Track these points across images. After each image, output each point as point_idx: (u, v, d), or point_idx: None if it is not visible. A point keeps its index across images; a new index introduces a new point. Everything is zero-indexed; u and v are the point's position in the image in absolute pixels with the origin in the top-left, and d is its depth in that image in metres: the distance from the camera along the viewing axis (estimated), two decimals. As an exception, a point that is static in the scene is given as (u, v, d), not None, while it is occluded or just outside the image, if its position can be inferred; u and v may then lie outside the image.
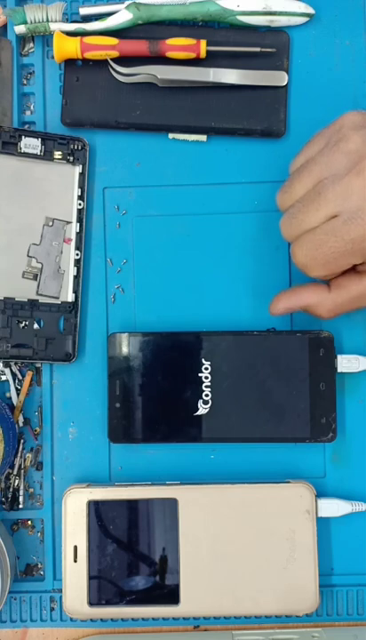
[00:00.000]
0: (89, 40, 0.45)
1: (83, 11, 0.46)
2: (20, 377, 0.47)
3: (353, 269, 0.39)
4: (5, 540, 0.45)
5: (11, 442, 0.44)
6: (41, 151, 0.46)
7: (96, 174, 0.47)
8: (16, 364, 0.47)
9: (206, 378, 0.45)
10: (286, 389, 0.45)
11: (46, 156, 0.46)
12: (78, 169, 0.47)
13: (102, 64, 0.46)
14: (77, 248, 0.47)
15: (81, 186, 0.47)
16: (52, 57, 0.47)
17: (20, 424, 0.47)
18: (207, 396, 0.45)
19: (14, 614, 0.46)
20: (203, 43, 0.45)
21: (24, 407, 0.47)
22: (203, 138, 0.47)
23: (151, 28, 0.46)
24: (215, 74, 0.45)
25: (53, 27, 0.45)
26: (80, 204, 0.47)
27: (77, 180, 0.47)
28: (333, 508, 0.44)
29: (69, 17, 0.47)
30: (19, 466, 0.47)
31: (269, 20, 0.46)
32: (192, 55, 0.45)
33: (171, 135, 0.47)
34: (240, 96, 0.46)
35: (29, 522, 0.47)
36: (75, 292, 0.47)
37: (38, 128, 0.47)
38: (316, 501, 0.44)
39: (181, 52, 0.45)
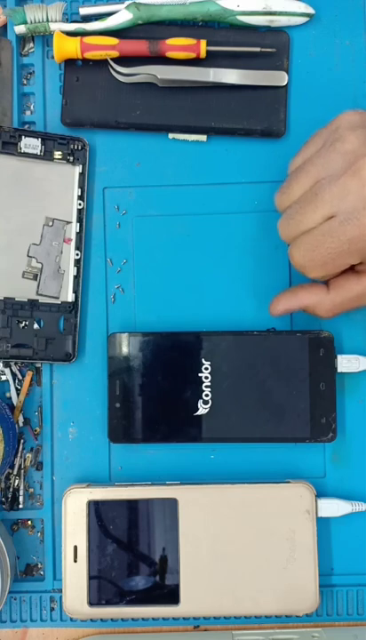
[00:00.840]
0: (89, 40, 0.45)
1: (83, 11, 0.46)
2: (20, 377, 0.47)
3: (351, 269, 0.40)
4: (5, 540, 0.45)
5: (11, 442, 0.44)
6: (41, 151, 0.46)
7: (96, 174, 0.47)
8: (16, 363, 0.47)
9: (206, 378, 0.45)
10: (286, 389, 0.45)
11: (46, 155, 0.46)
12: (78, 169, 0.47)
13: (102, 64, 0.46)
14: (77, 248, 0.47)
15: (81, 186, 0.47)
16: (52, 57, 0.47)
17: (20, 424, 0.47)
18: (207, 396, 0.45)
19: (14, 614, 0.46)
20: (203, 43, 0.45)
21: (24, 407, 0.47)
22: (203, 138, 0.47)
23: (151, 28, 0.46)
24: (215, 74, 0.45)
25: (53, 27, 0.45)
26: (80, 204, 0.47)
27: (77, 180, 0.47)
28: (333, 507, 0.44)
29: (69, 17, 0.47)
30: (19, 466, 0.47)
31: (269, 19, 0.46)
32: (192, 55, 0.45)
33: (171, 135, 0.47)
34: (240, 96, 0.46)
35: (29, 522, 0.47)
36: (75, 292, 0.47)
37: (38, 128, 0.48)
38: (316, 501, 0.44)
39: (181, 52, 0.45)
